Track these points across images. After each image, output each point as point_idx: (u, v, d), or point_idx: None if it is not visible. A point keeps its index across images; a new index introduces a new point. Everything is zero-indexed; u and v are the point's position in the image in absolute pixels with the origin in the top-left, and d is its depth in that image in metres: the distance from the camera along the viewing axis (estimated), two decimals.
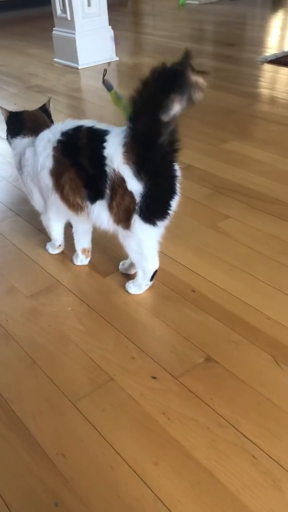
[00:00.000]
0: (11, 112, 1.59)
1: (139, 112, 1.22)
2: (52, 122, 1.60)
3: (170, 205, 1.34)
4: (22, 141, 1.56)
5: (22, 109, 1.63)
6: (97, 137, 1.31)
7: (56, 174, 1.38)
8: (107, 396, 1.21)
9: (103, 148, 1.28)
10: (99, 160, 1.29)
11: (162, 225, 1.36)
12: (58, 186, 1.39)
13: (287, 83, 3.26)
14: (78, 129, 1.35)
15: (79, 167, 1.33)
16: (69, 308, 1.48)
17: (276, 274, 1.56)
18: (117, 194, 1.30)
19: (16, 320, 1.45)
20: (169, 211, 1.34)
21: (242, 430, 1.11)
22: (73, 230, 1.60)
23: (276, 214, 1.85)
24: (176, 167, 1.32)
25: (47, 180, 1.42)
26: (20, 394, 1.23)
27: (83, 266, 1.65)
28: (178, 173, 1.33)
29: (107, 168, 1.28)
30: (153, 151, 1.26)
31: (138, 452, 1.08)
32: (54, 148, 1.38)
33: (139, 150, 1.26)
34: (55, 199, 1.43)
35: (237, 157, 2.30)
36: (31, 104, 3.10)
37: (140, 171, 1.27)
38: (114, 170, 1.27)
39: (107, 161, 1.28)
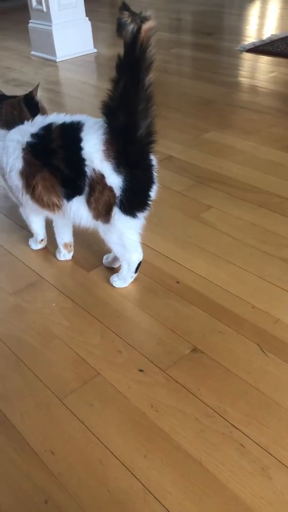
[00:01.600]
0: None
1: (117, 106, 1.22)
2: (35, 113, 1.48)
3: (149, 195, 1.34)
4: None
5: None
6: (71, 136, 1.28)
7: (27, 175, 1.35)
8: (94, 391, 1.20)
9: (81, 149, 1.26)
10: (77, 161, 1.27)
11: (142, 216, 1.36)
12: (29, 186, 1.36)
13: (266, 72, 3.26)
14: (48, 128, 1.32)
15: (53, 167, 1.31)
16: (54, 304, 1.47)
17: (259, 263, 1.56)
18: (96, 190, 1.29)
19: (0, 317, 1.44)
20: (148, 202, 1.34)
21: (230, 419, 1.12)
22: (53, 225, 1.59)
23: (257, 203, 1.86)
24: (152, 156, 1.32)
25: (16, 181, 1.39)
26: (6, 391, 1.22)
27: (66, 261, 1.64)
28: (154, 162, 1.33)
29: (86, 168, 1.27)
30: (132, 145, 1.26)
31: (127, 445, 1.08)
32: (24, 150, 1.34)
33: (119, 146, 1.25)
34: (26, 199, 1.41)
35: (218, 147, 2.30)
36: None
37: (119, 166, 1.26)
38: (94, 169, 1.26)
39: (86, 162, 1.26)
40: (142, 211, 1.35)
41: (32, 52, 3.93)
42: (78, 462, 1.06)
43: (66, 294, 1.50)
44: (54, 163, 1.30)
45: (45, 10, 3.61)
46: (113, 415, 1.14)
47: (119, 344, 1.32)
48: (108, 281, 1.52)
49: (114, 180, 1.27)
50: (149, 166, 1.32)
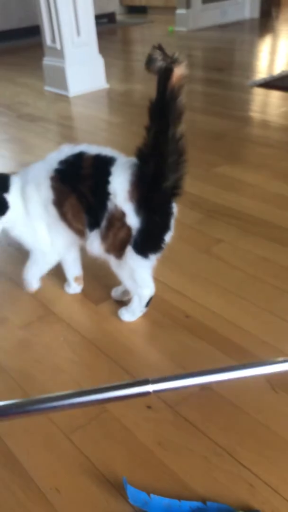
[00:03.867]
0: None
1: (149, 153, 1.24)
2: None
3: (163, 240, 1.35)
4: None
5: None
6: (102, 168, 1.29)
7: (59, 203, 1.35)
8: (101, 428, 1.18)
9: (108, 182, 1.28)
10: (102, 193, 1.28)
11: (154, 257, 1.37)
12: (63, 214, 1.36)
13: (277, 107, 3.30)
14: (79, 156, 1.33)
15: (80, 193, 1.31)
16: (62, 338, 1.46)
17: (270, 298, 1.55)
18: (115, 226, 1.30)
19: (8, 351, 1.43)
20: (162, 245, 1.35)
21: (239, 458, 1.09)
22: (62, 260, 1.59)
23: (268, 237, 1.85)
24: (174, 205, 1.34)
25: (52, 211, 1.38)
26: (12, 427, 1.21)
27: (75, 294, 1.64)
28: (175, 210, 1.34)
29: (108, 202, 1.28)
30: (156, 193, 1.28)
31: (133, 484, 1.05)
32: (52, 179, 1.35)
33: (144, 191, 1.27)
34: (63, 228, 1.39)
35: (229, 181, 2.31)
36: (23, 133, 3.14)
37: (140, 208, 1.28)
38: (116, 205, 1.28)
39: (111, 196, 1.28)
40: (155, 253, 1.36)
41: (46, 88, 4.02)
42: (84, 501, 1.03)
43: (75, 327, 1.50)
44: (81, 189, 1.30)
45: (59, 48, 3.71)
46: (120, 452, 1.12)
47: (127, 379, 1.31)
48: (117, 314, 1.52)
49: (133, 221, 1.28)
50: (169, 214, 1.33)
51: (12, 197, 1.41)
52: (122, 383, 1.00)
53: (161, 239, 1.34)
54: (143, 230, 1.30)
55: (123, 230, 1.30)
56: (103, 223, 1.31)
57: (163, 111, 1.16)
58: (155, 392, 0.97)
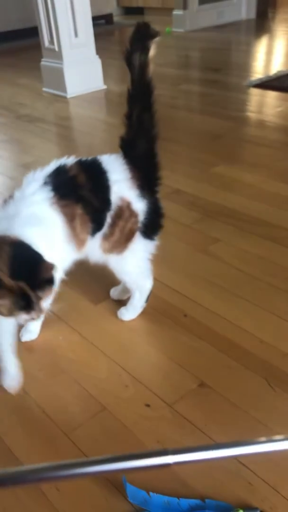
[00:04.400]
0: None
1: (135, 136, 1.30)
2: None
3: (163, 215, 1.39)
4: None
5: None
6: (93, 170, 1.29)
7: (70, 220, 1.25)
8: (100, 426, 1.19)
9: (108, 179, 1.28)
10: (106, 191, 1.28)
11: (156, 238, 1.40)
12: (73, 229, 1.26)
13: (273, 107, 3.31)
14: (61, 169, 1.25)
15: (84, 200, 1.25)
16: (60, 338, 1.47)
17: (267, 297, 1.56)
18: (122, 218, 1.31)
19: None
20: (162, 222, 1.39)
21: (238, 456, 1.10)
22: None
23: (265, 236, 1.86)
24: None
25: (64, 233, 1.26)
26: (12, 426, 1.21)
27: (74, 293, 1.64)
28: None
29: (112, 198, 1.29)
30: (153, 169, 1.34)
31: (133, 482, 1.06)
32: (51, 199, 1.21)
33: (141, 173, 1.31)
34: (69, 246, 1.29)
35: (226, 181, 2.32)
36: (21, 134, 3.14)
37: (143, 190, 1.32)
38: (121, 197, 1.29)
39: (114, 191, 1.29)
40: (157, 233, 1.40)
41: (44, 89, 4.02)
42: (83, 500, 1.04)
43: (73, 327, 1.50)
44: (84, 195, 1.25)
45: (57, 49, 3.71)
46: (119, 451, 1.13)
47: (126, 379, 1.31)
48: (115, 314, 1.52)
49: (139, 206, 1.32)
50: (157, 189, 1.38)
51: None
52: (140, 453, 0.92)
53: (161, 215, 1.38)
54: (149, 211, 1.34)
55: (131, 220, 1.32)
56: (108, 222, 1.30)
57: (144, 93, 1.26)
58: (175, 464, 0.84)
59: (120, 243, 1.35)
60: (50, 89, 3.97)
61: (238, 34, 5.71)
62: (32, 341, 1.46)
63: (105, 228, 1.31)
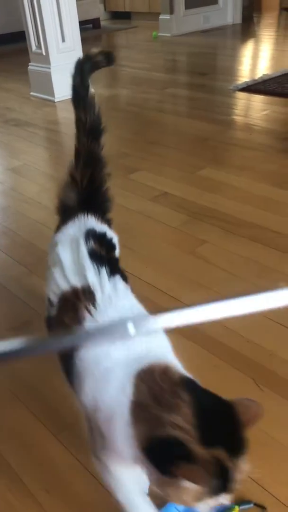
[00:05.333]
0: None
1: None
2: None
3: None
4: None
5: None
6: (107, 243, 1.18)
7: None
8: None
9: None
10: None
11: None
12: None
13: (259, 110, 3.34)
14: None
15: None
16: None
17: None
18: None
19: None
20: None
21: None
22: None
23: (251, 238, 1.88)
24: None
25: None
26: (2, 429, 1.22)
27: None
28: None
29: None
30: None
31: None
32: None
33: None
34: None
35: (213, 183, 2.34)
36: (9, 138, 3.14)
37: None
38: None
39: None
40: None
41: (32, 93, 4.03)
42: (72, 502, 1.05)
43: None
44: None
45: (44, 53, 3.72)
46: None
47: None
48: None
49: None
50: None
51: None
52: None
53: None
54: None
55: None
56: None
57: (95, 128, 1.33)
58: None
59: None
60: (38, 93, 3.98)
61: (224, 39, 5.76)
62: None
63: None
